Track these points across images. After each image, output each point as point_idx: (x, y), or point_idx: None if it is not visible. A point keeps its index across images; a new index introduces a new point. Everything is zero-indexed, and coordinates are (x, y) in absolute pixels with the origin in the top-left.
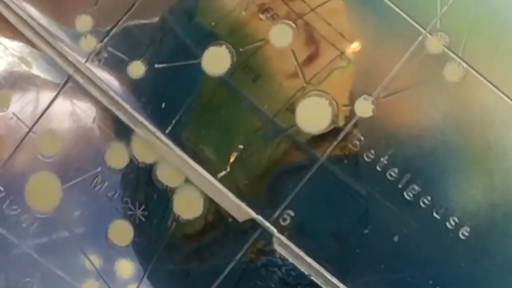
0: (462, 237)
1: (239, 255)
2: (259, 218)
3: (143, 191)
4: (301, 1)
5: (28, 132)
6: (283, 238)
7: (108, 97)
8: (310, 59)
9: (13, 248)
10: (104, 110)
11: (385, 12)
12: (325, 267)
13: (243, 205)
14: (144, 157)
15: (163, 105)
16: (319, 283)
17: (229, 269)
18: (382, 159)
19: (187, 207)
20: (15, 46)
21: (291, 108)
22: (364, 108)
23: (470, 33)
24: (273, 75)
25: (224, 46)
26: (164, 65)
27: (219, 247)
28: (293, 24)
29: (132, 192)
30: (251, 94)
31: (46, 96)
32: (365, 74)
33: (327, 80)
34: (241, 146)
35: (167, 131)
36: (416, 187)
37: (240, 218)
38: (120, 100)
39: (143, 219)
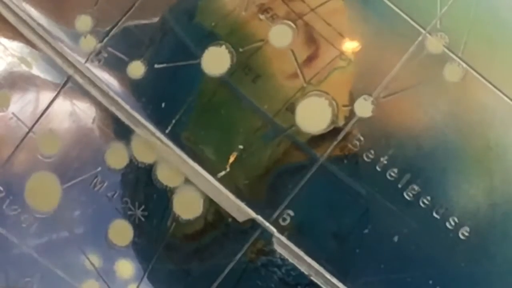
0: (462, 237)
1: (239, 255)
2: (259, 218)
3: (143, 191)
4: (301, 1)
5: (28, 132)
6: (283, 238)
7: (108, 97)
8: (310, 59)
9: (13, 248)
10: (104, 110)
11: (385, 12)
12: (325, 267)
13: (243, 205)
14: (144, 157)
15: (163, 105)
16: (319, 283)
17: (229, 269)
18: (382, 159)
19: (187, 207)
20: (15, 46)
21: (291, 108)
22: (364, 108)
23: (470, 33)
24: (273, 75)
25: (224, 46)
26: (164, 65)
27: (219, 247)
28: (293, 24)
29: (132, 192)
30: (251, 94)
31: (46, 96)
32: (365, 74)
33: (327, 80)
34: (241, 146)
35: (167, 131)
36: (416, 187)
37: (240, 218)
38: (120, 100)
39: (143, 219)
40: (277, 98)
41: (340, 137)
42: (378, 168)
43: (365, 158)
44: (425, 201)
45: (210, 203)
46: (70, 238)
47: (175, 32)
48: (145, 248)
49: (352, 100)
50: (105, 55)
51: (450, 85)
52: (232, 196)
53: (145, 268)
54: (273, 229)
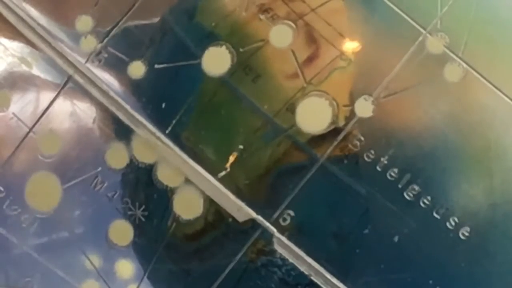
0: (462, 237)
1: (239, 255)
2: (259, 218)
3: (143, 191)
4: (301, 2)
5: (28, 132)
6: (283, 238)
7: (108, 97)
8: (310, 59)
9: (13, 248)
10: (104, 111)
11: (385, 12)
12: (325, 267)
13: (243, 205)
14: (144, 157)
15: (163, 105)
16: (319, 283)
17: (229, 269)
18: (382, 159)
19: (187, 207)
20: (15, 46)
21: (291, 108)
22: (364, 108)
23: (470, 33)
24: (273, 75)
25: (224, 47)
26: (164, 65)
27: (219, 247)
28: (293, 25)
29: (132, 192)
30: (251, 94)
31: (46, 96)
32: (365, 74)
33: (327, 80)
34: (241, 146)
35: (167, 131)
36: (416, 187)
37: (240, 218)
38: (120, 100)
39: (143, 219)
40: (277, 98)
41: (340, 137)
42: (378, 168)
43: (366, 158)
44: (425, 201)
45: (210, 203)
46: (70, 238)
47: (175, 32)
48: (145, 248)
49: (352, 100)
50: (106, 55)
51: (450, 85)
52: (232, 196)
53: (145, 268)
54: (273, 229)
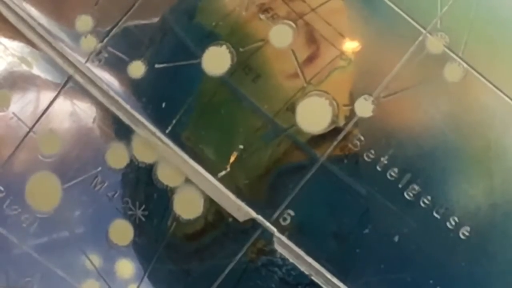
0: (462, 237)
1: (239, 255)
2: (259, 218)
3: (143, 191)
4: (301, 1)
5: (28, 132)
6: (284, 238)
7: (108, 97)
8: (310, 59)
9: (13, 248)
10: (104, 110)
11: (385, 12)
12: (325, 267)
13: (243, 205)
14: (144, 157)
15: (163, 105)
16: (319, 283)
17: (229, 269)
18: (382, 159)
19: (187, 207)
20: (15, 46)
21: (291, 108)
22: (364, 108)
23: (470, 33)
24: (273, 75)
25: (224, 46)
26: (164, 65)
27: (219, 247)
28: (293, 24)
29: (132, 192)
30: (251, 94)
31: (46, 96)
32: (365, 74)
33: (327, 80)
34: (241, 146)
35: (167, 131)
36: (416, 187)
37: (240, 218)
38: (120, 100)
39: (143, 219)
40: (277, 98)
41: (340, 137)
42: (378, 168)
43: (366, 158)
44: (425, 201)
45: (210, 203)
46: (70, 238)
47: (175, 32)
48: (145, 248)
49: (352, 100)
50: (106, 55)
51: (450, 85)
52: (232, 196)
53: (145, 268)
54: (273, 229)
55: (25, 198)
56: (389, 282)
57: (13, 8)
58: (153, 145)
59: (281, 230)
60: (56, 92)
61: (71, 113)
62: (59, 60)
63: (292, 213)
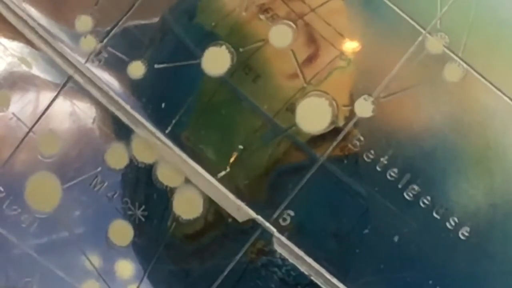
0: (462, 237)
1: (239, 255)
2: (259, 218)
3: (143, 191)
4: (301, 2)
5: (28, 132)
6: (283, 238)
7: (108, 97)
8: (310, 59)
9: (13, 248)
10: (104, 110)
11: (385, 12)
12: (325, 267)
13: (243, 205)
14: (144, 157)
15: (163, 105)
16: (319, 283)
17: (229, 269)
18: (382, 159)
19: (187, 207)
20: (15, 46)
21: (291, 108)
22: (364, 108)
23: (470, 33)
24: (273, 75)
25: (224, 46)
26: (164, 65)
27: (219, 247)
28: (293, 25)
29: (132, 192)
30: (251, 94)
31: (46, 96)
32: (365, 74)
33: (327, 80)
34: (241, 146)
35: (167, 131)
36: (416, 187)
37: (240, 218)
38: (120, 100)
39: (143, 219)
40: (277, 98)
41: (340, 137)
42: (378, 168)
43: (365, 158)
44: (425, 201)
45: (210, 203)
46: (70, 238)
47: (175, 32)
48: (145, 248)
49: (352, 100)
50: (105, 55)
51: (450, 85)
52: (232, 196)
53: (145, 268)
54: (273, 229)
55: (25, 198)
56: (389, 282)
57: (13, 8)
58: (152, 145)
59: (281, 230)
60: (56, 92)
61: (70, 113)
62: (58, 60)
63: (291, 213)
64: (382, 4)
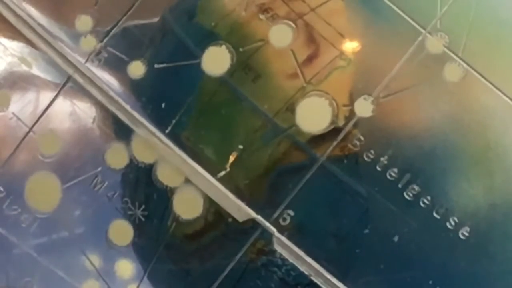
0: (462, 237)
1: (239, 255)
2: (259, 218)
3: (143, 191)
4: (301, 1)
5: (28, 132)
6: (283, 238)
7: (108, 97)
8: (310, 59)
9: (13, 248)
10: (104, 110)
11: (385, 12)
12: (325, 267)
13: (243, 205)
14: (144, 157)
15: (163, 105)
16: (319, 283)
17: (229, 269)
18: (382, 159)
19: (187, 207)
20: (15, 46)
21: (291, 108)
22: (364, 108)
23: (470, 33)
24: (273, 75)
25: (224, 46)
26: (164, 65)
27: (219, 247)
28: (293, 24)
29: (132, 192)
30: (251, 94)
31: (46, 96)
32: (365, 74)
33: (327, 80)
34: (241, 146)
35: (167, 131)
36: (416, 187)
37: (240, 218)
38: (120, 100)
39: (143, 219)
40: (277, 98)
41: (340, 137)
42: (378, 168)
43: (365, 158)
44: (425, 201)
45: (210, 203)
46: (70, 238)
47: (175, 32)
48: (145, 248)
49: (352, 100)
50: (105, 55)
51: (450, 85)
52: (232, 196)
53: (145, 268)
54: (273, 229)
55: (25, 198)
56: (389, 282)
57: (13, 8)
58: (152, 145)
59: (281, 230)
60: (56, 92)
61: (70, 113)
62: (58, 60)
63: (291, 213)
64: (382, 4)
